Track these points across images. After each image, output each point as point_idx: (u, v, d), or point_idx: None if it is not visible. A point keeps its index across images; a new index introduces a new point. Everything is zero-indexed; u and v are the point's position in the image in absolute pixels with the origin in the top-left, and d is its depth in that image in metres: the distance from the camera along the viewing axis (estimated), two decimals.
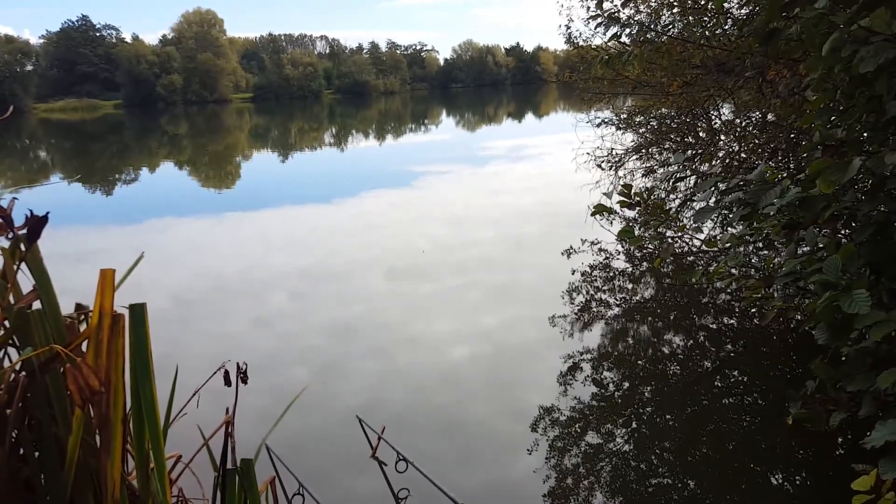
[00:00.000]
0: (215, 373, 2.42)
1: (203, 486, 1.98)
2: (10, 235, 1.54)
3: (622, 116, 9.86)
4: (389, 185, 16.42)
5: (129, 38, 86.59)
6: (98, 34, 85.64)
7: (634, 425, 4.60)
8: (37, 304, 1.64)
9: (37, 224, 1.52)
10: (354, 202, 14.37)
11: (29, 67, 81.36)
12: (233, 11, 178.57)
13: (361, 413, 4.06)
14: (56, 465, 1.45)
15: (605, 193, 9.04)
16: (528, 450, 4.31)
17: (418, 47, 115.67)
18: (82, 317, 1.66)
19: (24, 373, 1.43)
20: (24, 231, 1.53)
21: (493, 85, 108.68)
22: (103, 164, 25.88)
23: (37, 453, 1.54)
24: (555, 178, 15.50)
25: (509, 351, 5.95)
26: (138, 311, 1.48)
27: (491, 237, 10.20)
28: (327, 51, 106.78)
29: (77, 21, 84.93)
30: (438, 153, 24.41)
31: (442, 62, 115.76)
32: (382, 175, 19.06)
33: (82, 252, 9.94)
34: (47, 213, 1.56)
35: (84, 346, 1.51)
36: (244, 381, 2.38)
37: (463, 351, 6.01)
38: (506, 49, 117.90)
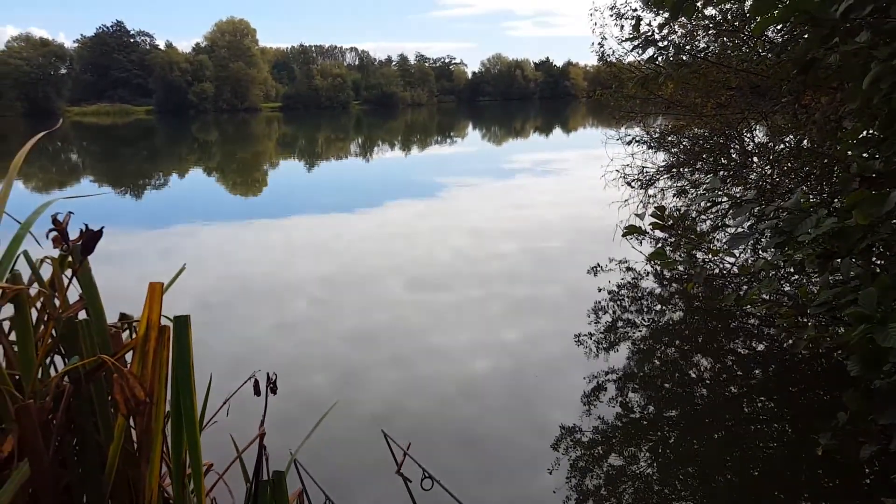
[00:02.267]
0: (245, 382, 2.45)
1: (233, 496, 2.00)
2: (65, 248, 1.59)
3: (654, 135, 9.83)
4: (414, 196, 16.50)
5: (162, 46, 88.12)
6: (132, 40, 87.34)
7: (659, 449, 4.56)
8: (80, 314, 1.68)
9: (91, 238, 1.57)
10: (378, 212, 14.46)
11: (63, 71, 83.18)
12: (266, 22, 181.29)
13: (380, 423, 4.07)
14: (97, 472, 1.48)
15: (637, 214, 9.00)
16: (548, 469, 4.29)
17: (447, 60, 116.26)
18: (125, 326, 1.70)
19: (69, 381, 1.47)
20: (79, 244, 1.57)
21: (521, 99, 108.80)
22: (133, 169, 26.31)
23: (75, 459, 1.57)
24: (582, 194, 15.46)
25: (531, 366, 5.93)
26: (181, 323, 1.51)
27: (515, 250, 10.19)
28: (357, 62, 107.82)
29: (112, 26, 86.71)
30: (464, 165, 24.47)
31: (470, 75, 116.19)
32: (407, 186, 19.16)
33: (110, 254, 10.11)
34: (101, 227, 1.60)
35: (127, 356, 1.55)
36: (273, 391, 2.42)
37: (484, 364, 6.01)
38: (535, 63, 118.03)
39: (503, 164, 24.05)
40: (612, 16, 8.13)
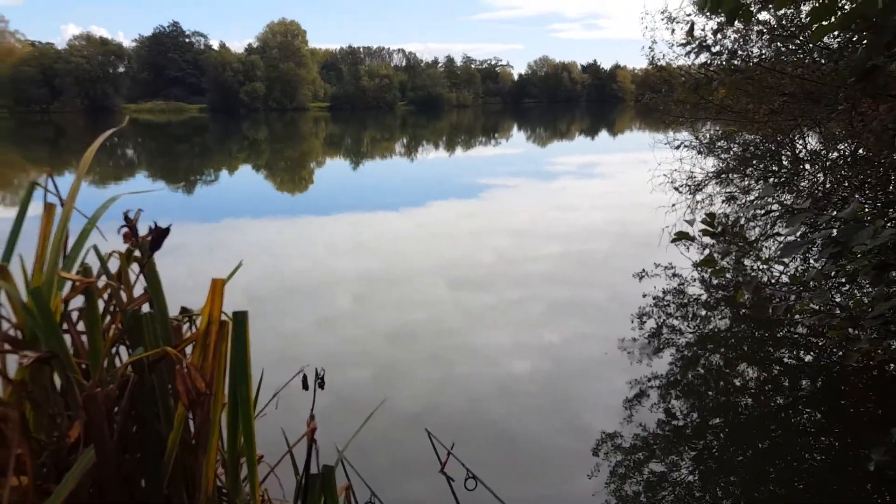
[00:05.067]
0: (294, 377, 2.52)
1: (283, 487, 2.06)
2: (135, 243, 1.67)
3: (703, 140, 9.68)
4: (456, 196, 16.56)
5: (216, 46, 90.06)
6: (187, 40, 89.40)
7: (701, 458, 4.50)
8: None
9: (159, 235, 1.64)
10: (421, 211, 14.55)
11: (121, 69, 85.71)
12: (316, 23, 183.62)
13: (419, 420, 4.11)
14: (156, 461, 1.55)
15: (686, 221, 8.88)
16: (588, 474, 4.27)
17: (493, 62, 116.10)
18: (185, 319, 1.77)
19: (132, 371, 1.54)
20: (148, 240, 1.65)
21: (566, 101, 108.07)
22: (186, 165, 26.99)
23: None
24: (627, 198, 15.30)
25: (571, 369, 5.91)
26: (240, 318, 1.57)
27: (557, 253, 10.14)
28: (403, 63, 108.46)
29: (168, 27, 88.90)
30: (507, 166, 24.42)
31: (516, 77, 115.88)
32: (450, 186, 19.22)
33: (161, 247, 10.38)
34: (169, 225, 1.68)
35: (187, 348, 1.61)
36: (321, 386, 2.47)
37: (523, 365, 6.01)
38: (582, 66, 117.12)
39: (547, 166, 23.94)
40: (663, 19, 8.05)
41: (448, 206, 15.18)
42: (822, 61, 4.93)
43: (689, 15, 7.51)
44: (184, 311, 1.81)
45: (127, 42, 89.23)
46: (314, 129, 53.68)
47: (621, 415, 5.02)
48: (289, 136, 46.27)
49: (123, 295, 1.73)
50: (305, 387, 2.49)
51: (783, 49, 5.38)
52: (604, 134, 47.05)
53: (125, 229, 1.67)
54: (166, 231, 1.68)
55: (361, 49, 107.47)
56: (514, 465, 4.40)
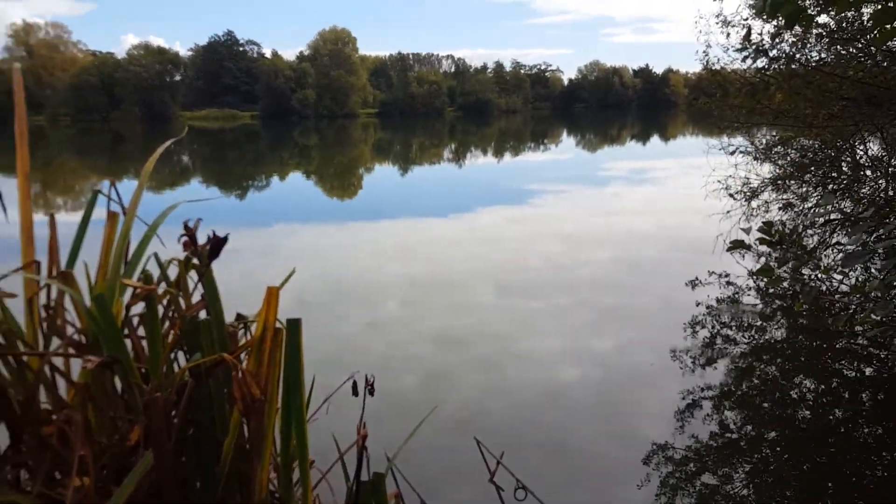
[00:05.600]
0: (344, 383, 2.55)
1: (334, 493, 2.09)
2: (194, 252, 1.72)
3: (759, 145, 9.44)
4: (505, 202, 16.51)
5: (268, 54, 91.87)
6: (241, 49, 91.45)
7: (756, 471, 4.38)
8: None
9: (218, 244, 1.69)
10: (469, 217, 14.56)
11: (178, 78, 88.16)
12: (366, 30, 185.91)
13: (467, 426, 4.10)
14: (211, 464, 1.59)
15: (743, 229, 8.69)
16: (638, 484, 4.20)
17: (542, 67, 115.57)
18: (241, 326, 1.82)
19: (189, 376, 1.58)
20: (207, 248, 1.70)
21: (617, 106, 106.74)
22: (238, 171, 27.59)
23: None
24: (680, 204, 15.03)
25: (622, 377, 5.82)
26: (294, 326, 1.60)
27: (607, 259, 10.02)
28: (452, 69, 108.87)
29: (223, 36, 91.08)
30: (557, 172, 24.26)
31: (566, 82, 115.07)
32: (499, 191, 19.18)
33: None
34: (227, 234, 1.72)
35: (242, 355, 1.65)
36: (371, 393, 2.50)
37: (572, 371, 5.95)
38: (634, 70, 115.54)
39: (597, 172, 23.69)
40: (718, 23, 7.89)
41: (496, 211, 15.16)
42: (885, 64, 4.76)
43: (746, 19, 7.35)
44: (239, 317, 1.85)
45: (183, 51, 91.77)
46: (363, 136, 54.30)
47: (673, 425, 4.92)
48: (338, 143, 46.90)
49: (181, 301, 1.78)
50: (355, 393, 2.53)
51: (843, 53, 5.20)
52: (655, 139, 46.32)
53: (185, 238, 1.73)
54: (224, 240, 1.73)
55: (411, 55, 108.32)
56: (563, 474, 4.36)
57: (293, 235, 12.81)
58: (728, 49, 7.40)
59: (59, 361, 1.70)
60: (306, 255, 10.87)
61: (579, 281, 8.83)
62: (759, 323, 7.26)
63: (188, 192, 20.48)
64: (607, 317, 7.41)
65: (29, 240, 1.77)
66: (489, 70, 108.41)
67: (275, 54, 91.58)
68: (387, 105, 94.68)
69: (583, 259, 10.06)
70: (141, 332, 1.73)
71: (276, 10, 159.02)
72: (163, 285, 1.82)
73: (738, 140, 10.17)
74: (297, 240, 12.35)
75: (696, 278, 8.58)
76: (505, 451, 3.95)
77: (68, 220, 15.60)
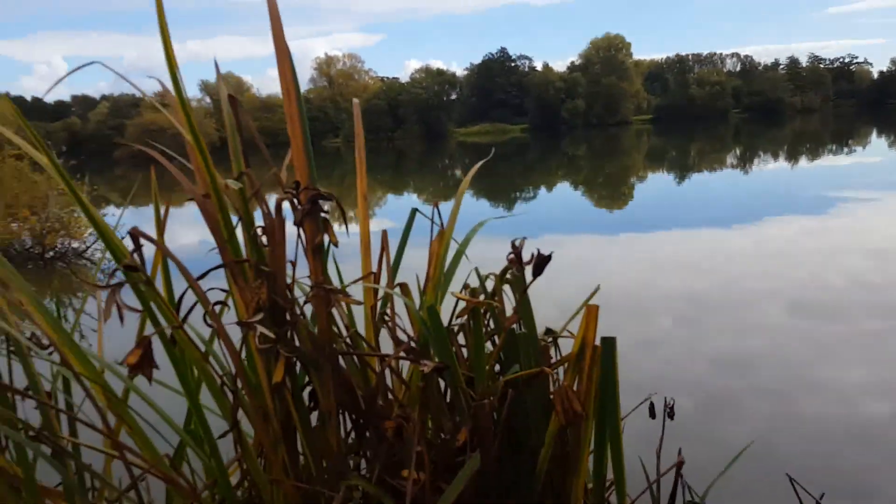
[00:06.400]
0: (642, 403, 2.51)
1: None
2: (519, 269, 1.84)
3: None
4: (799, 211, 14.93)
5: (539, 67, 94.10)
6: (513, 64, 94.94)
7: None
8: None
9: (542, 261, 1.78)
10: (756, 228, 13.40)
11: (453, 96, 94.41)
12: (641, 35, 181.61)
13: (750, 456, 3.75)
14: (528, 474, 1.67)
15: None
16: None
17: (846, 60, 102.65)
18: (551, 340, 1.89)
19: (507, 386, 1.69)
20: (531, 265, 1.80)
21: None
22: (507, 183, 28.64)
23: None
24: None
25: None
26: (609, 344, 1.62)
27: None
28: (738, 68, 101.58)
29: (496, 53, 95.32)
30: (863, 178, 21.35)
31: (875, 75, 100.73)
32: (792, 200, 17.41)
33: (485, 259, 11.12)
34: (551, 252, 1.81)
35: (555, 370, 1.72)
36: (671, 416, 2.43)
37: (882, 407, 5.16)
38: None
39: None
40: None
41: (788, 221, 13.78)
42: None
43: None
44: (548, 331, 1.92)
45: (459, 71, 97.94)
46: (636, 143, 53.04)
47: None
48: (608, 152, 46.38)
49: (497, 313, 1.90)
50: (653, 415, 2.47)
51: None
52: None
53: (511, 255, 1.84)
54: (548, 258, 1.81)
55: (690, 56, 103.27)
56: None
57: (561, 246, 12.86)
58: None
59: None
60: (573, 265, 10.91)
61: (892, 302, 7.65)
62: None
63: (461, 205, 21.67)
64: None
65: (366, 252, 2.02)
66: (781, 66, 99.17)
67: (545, 66, 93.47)
68: (662, 110, 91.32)
69: None
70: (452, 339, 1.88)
71: (548, 25, 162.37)
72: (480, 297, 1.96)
73: None
74: (565, 251, 12.42)
75: None
76: (811, 490, 3.57)
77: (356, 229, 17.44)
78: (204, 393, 1.82)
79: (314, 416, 1.76)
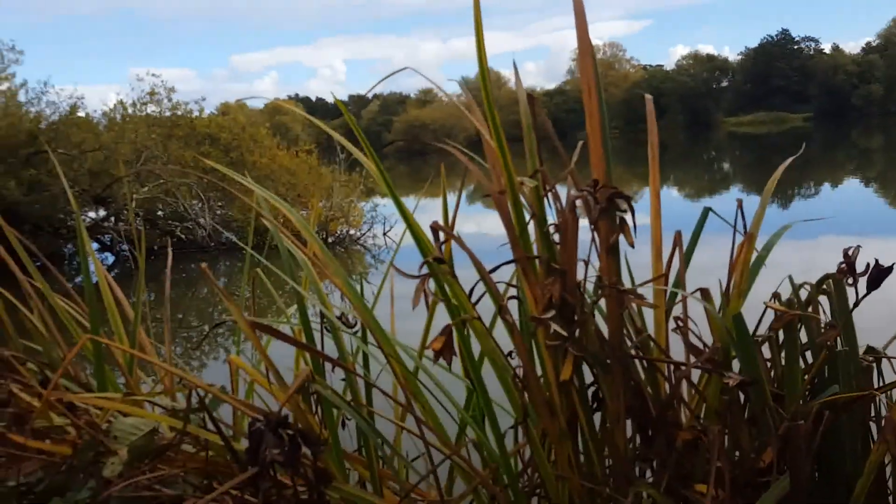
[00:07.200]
0: None
1: None
2: (850, 281, 1.66)
3: None
4: None
5: (828, 49, 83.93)
6: (795, 47, 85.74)
7: None
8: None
9: (881, 273, 1.60)
10: None
11: (724, 83, 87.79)
12: None
13: None
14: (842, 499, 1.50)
15: None
16: None
17: None
18: (873, 360, 1.67)
19: (824, 407, 1.52)
20: (866, 277, 1.63)
21: None
22: (783, 178, 25.89)
23: None
24: None
25: None
26: None
27: None
28: None
29: (776, 36, 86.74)
30: None
31: None
32: None
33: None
34: (893, 264, 1.61)
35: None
36: None
37: None
38: None
39: None
40: None
41: None
42: None
43: None
44: (869, 349, 1.69)
45: (733, 56, 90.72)
46: None
47: None
48: None
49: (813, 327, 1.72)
50: None
51: None
52: None
53: (843, 265, 1.67)
54: (889, 270, 1.60)
55: None
56: None
57: (842, 249, 11.34)
58: None
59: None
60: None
61: None
62: None
63: (726, 199, 20.24)
64: None
65: (658, 254, 1.94)
66: None
67: (835, 48, 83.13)
68: None
69: None
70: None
71: (840, 2, 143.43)
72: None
73: None
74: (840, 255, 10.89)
75: None
76: None
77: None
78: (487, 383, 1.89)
79: (595, 418, 1.75)
